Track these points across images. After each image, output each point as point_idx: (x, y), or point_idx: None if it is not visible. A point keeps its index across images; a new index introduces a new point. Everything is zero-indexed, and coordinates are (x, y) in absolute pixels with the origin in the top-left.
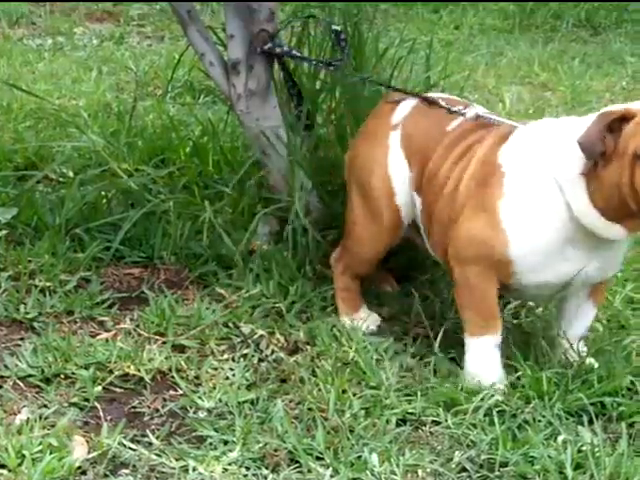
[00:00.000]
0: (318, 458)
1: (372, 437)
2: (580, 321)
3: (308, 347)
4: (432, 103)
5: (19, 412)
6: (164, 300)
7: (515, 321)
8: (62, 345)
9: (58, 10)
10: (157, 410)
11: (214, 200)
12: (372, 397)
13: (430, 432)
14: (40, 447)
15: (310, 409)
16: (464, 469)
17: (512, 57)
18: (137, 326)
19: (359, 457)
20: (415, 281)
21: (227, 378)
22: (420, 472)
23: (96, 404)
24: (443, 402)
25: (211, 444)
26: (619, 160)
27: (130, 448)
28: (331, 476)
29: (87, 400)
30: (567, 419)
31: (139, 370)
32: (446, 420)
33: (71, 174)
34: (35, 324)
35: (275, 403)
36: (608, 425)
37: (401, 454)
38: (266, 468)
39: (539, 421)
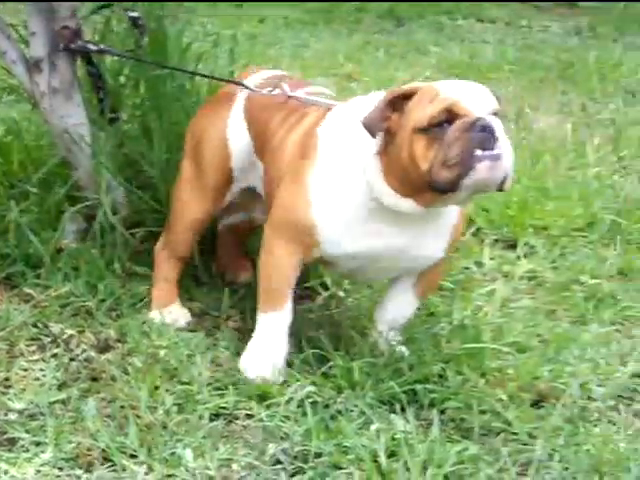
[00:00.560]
0: (132, 456)
1: (185, 433)
2: (396, 309)
3: (119, 345)
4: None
5: None
6: None
7: (326, 312)
8: None
9: None
10: None
11: (20, 199)
12: (184, 393)
13: (243, 426)
14: None
15: (122, 407)
16: (278, 461)
17: (317, 49)
18: None
19: (173, 453)
20: None
21: (37, 379)
22: (234, 466)
23: None
24: (255, 395)
25: (23, 446)
26: (402, 135)
27: None
28: (145, 473)
29: None
30: (379, 408)
31: None
32: (259, 413)
33: None
34: None
35: (87, 402)
36: (420, 412)
37: (215, 449)
38: (79, 468)
39: (351, 411)
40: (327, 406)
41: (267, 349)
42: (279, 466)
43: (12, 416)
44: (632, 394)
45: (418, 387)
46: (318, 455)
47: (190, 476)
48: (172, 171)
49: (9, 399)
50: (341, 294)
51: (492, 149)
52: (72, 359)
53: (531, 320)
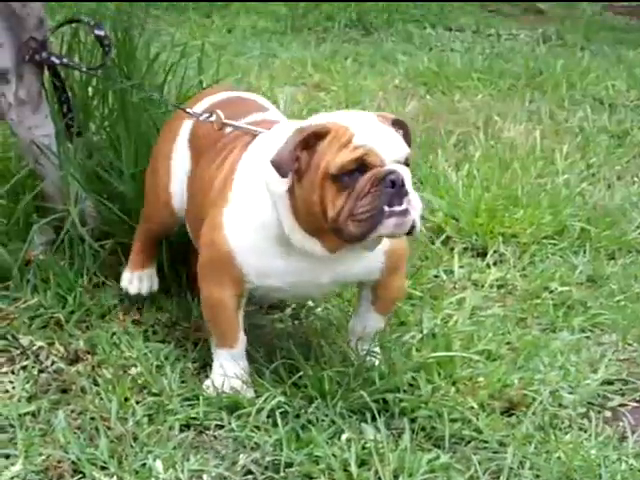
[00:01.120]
0: (102, 467)
1: (156, 444)
2: (363, 324)
3: (89, 356)
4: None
5: None
6: None
7: (296, 321)
8: None
9: None
10: None
11: None
12: (155, 404)
13: (214, 436)
14: None
15: (93, 418)
16: (249, 472)
17: (285, 58)
18: None
19: (144, 464)
20: None
21: (7, 391)
22: (205, 477)
23: None
24: (225, 406)
25: None
26: (311, 177)
27: None
28: None
29: None
30: (350, 417)
31: None
32: (229, 423)
33: None
34: None
35: (57, 414)
36: (391, 421)
37: (186, 459)
38: None
39: (322, 420)
40: (298, 416)
41: (231, 373)
42: (250, 476)
43: None
44: (602, 401)
45: (389, 396)
46: (289, 465)
47: None
48: (141, 182)
49: None
50: (310, 303)
51: (400, 204)
52: (42, 371)
53: (501, 328)
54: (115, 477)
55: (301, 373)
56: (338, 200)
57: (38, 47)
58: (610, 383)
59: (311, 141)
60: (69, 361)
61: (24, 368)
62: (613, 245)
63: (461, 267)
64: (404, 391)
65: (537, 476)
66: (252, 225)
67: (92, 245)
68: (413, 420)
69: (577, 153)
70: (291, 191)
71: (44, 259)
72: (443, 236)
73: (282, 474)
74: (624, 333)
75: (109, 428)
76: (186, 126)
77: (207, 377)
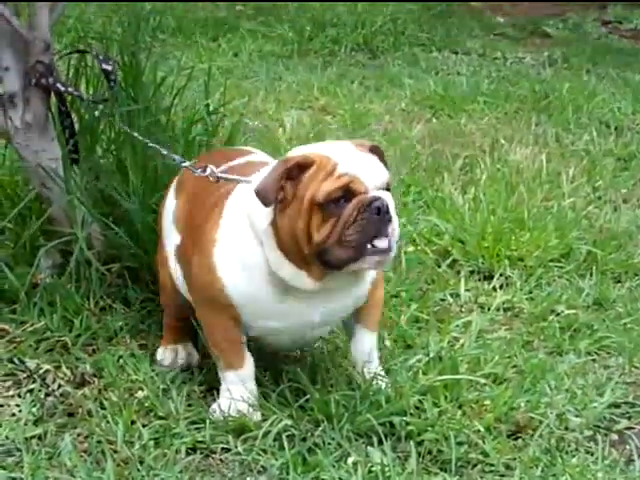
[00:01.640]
0: None
1: (162, 467)
2: (357, 345)
3: (95, 379)
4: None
5: None
6: None
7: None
8: None
9: None
10: None
11: None
12: (161, 427)
13: (220, 459)
14: None
15: (99, 442)
16: None
17: (291, 82)
18: None
19: None
20: None
21: (13, 414)
22: None
23: None
24: (232, 429)
25: None
26: (297, 206)
27: None
28: None
29: None
30: (357, 440)
31: None
32: (236, 447)
33: None
34: None
35: (63, 437)
36: (397, 444)
37: None
38: None
39: (329, 444)
40: (304, 439)
41: (237, 396)
42: None
43: None
44: (609, 424)
45: (395, 419)
46: None
47: None
48: (147, 206)
49: None
50: None
51: (386, 235)
52: (48, 394)
53: (507, 351)
54: None
55: (308, 396)
56: (324, 227)
57: (45, 71)
58: (617, 406)
59: (295, 171)
60: (75, 384)
61: (30, 391)
62: (619, 268)
63: (467, 290)
64: (410, 414)
65: None
66: (242, 267)
67: (99, 268)
68: (419, 443)
69: (583, 176)
70: (274, 224)
71: (51, 282)
72: (449, 259)
73: None
74: (630, 356)
75: (115, 451)
76: (178, 177)
77: (214, 400)
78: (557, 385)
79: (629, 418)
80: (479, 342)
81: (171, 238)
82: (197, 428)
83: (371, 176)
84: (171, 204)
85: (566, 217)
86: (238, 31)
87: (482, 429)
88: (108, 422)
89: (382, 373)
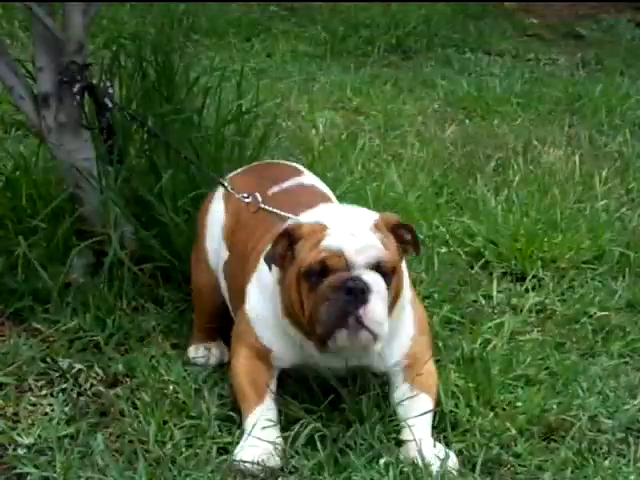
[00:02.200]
0: None
1: (194, 467)
2: (403, 406)
3: (127, 379)
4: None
5: None
6: None
7: None
8: None
9: None
10: None
11: (28, 234)
12: (193, 427)
13: None
14: None
15: (131, 441)
16: None
17: (324, 83)
18: None
19: None
20: None
21: (46, 414)
22: None
23: None
24: None
25: None
26: (290, 275)
27: None
28: None
29: None
30: (388, 441)
31: None
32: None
33: None
34: None
35: (95, 437)
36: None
37: None
38: None
39: (360, 445)
40: (336, 440)
41: (256, 445)
42: None
43: (21, 451)
44: None
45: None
46: None
47: None
48: (179, 207)
49: (18, 434)
50: None
51: (356, 313)
52: (80, 394)
53: (540, 353)
54: None
55: (339, 397)
56: (308, 299)
57: (78, 71)
58: None
59: (291, 239)
60: (108, 384)
61: (63, 391)
62: None
63: (500, 292)
64: (442, 415)
65: None
66: (268, 316)
67: (131, 268)
68: (451, 444)
69: (616, 178)
70: (281, 283)
71: (84, 282)
72: (482, 261)
73: None
74: None
75: (147, 451)
76: (219, 196)
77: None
78: (589, 387)
79: None
80: (511, 344)
81: (220, 253)
82: (228, 428)
83: (356, 252)
84: (219, 214)
85: (599, 219)
86: (271, 32)
87: (514, 431)
88: (140, 422)
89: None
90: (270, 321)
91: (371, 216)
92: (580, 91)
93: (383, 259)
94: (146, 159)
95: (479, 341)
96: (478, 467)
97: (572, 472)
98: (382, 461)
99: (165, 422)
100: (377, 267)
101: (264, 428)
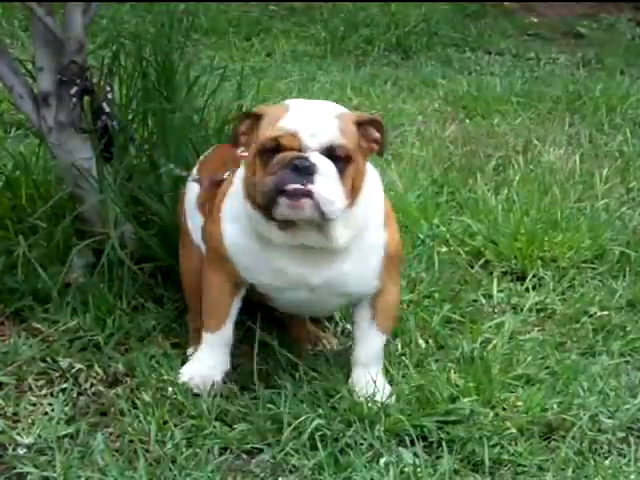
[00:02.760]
0: None
1: (194, 467)
2: (361, 346)
3: (127, 379)
4: None
5: None
6: None
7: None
8: None
9: None
10: None
11: (28, 234)
12: (193, 427)
13: (252, 459)
14: None
15: (131, 441)
16: None
17: (324, 82)
18: None
19: None
20: None
21: (46, 413)
22: None
23: None
24: (265, 429)
25: None
26: (250, 154)
27: None
28: None
29: None
30: (388, 441)
31: None
32: (269, 446)
33: None
34: None
35: (95, 436)
36: (429, 445)
37: None
38: None
39: (361, 444)
40: (336, 439)
41: (205, 363)
42: None
43: (21, 451)
44: None
45: (427, 420)
46: None
47: None
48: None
49: (17, 434)
50: (349, 327)
51: (301, 183)
52: (80, 393)
53: (540, 352)
54: None
55: (339, 396)
56: (259, 174)
57: (78, 71)
58: None
59: (256, 118)
60: (108, 384)
61: (63, 390)
62: None
63: (500, 291)
64: (442, 415)
65: None
66: (236, 220)
67: (131, 268)
68: (451, 444)
69: (616, 177)
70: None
71: (83, 282)
72: (482, 260)
73: None
74: None
75: (148, 451)
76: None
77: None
78: (590, 387)
79: None
80: (512, 343)
81: (196, 221)
82: (229, 428)
83: (310, 136)
84: (192, 192)
85: (599, 218)
86: (271, 31)
87: (514, 430)
88: (140, 421)
89: (383, 382)
90: (237, 227)
91: (339, 108)
92: (580, 90)
93: (337, 144)
94: (146, 157)
95: (479, 340)
96: (479, 467)
97: (573, 472)
98: (382, 461)
99: (165, 422)
100: (330, 153)
101: (214, 348)
